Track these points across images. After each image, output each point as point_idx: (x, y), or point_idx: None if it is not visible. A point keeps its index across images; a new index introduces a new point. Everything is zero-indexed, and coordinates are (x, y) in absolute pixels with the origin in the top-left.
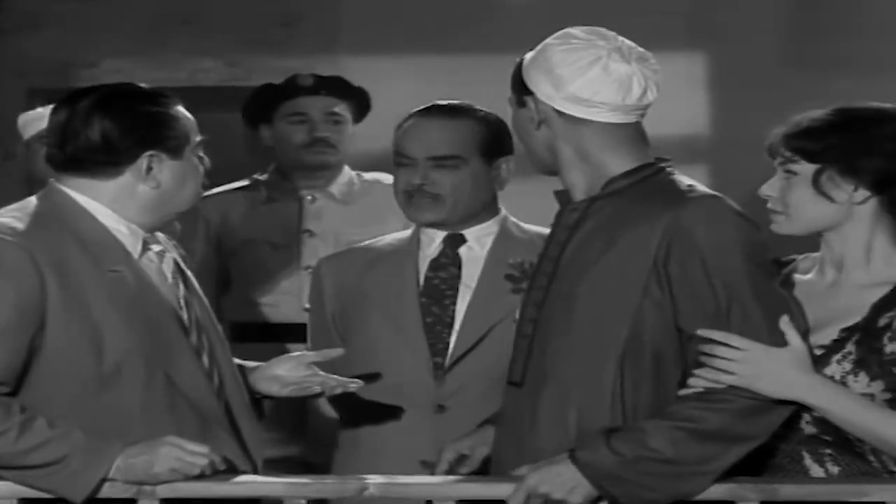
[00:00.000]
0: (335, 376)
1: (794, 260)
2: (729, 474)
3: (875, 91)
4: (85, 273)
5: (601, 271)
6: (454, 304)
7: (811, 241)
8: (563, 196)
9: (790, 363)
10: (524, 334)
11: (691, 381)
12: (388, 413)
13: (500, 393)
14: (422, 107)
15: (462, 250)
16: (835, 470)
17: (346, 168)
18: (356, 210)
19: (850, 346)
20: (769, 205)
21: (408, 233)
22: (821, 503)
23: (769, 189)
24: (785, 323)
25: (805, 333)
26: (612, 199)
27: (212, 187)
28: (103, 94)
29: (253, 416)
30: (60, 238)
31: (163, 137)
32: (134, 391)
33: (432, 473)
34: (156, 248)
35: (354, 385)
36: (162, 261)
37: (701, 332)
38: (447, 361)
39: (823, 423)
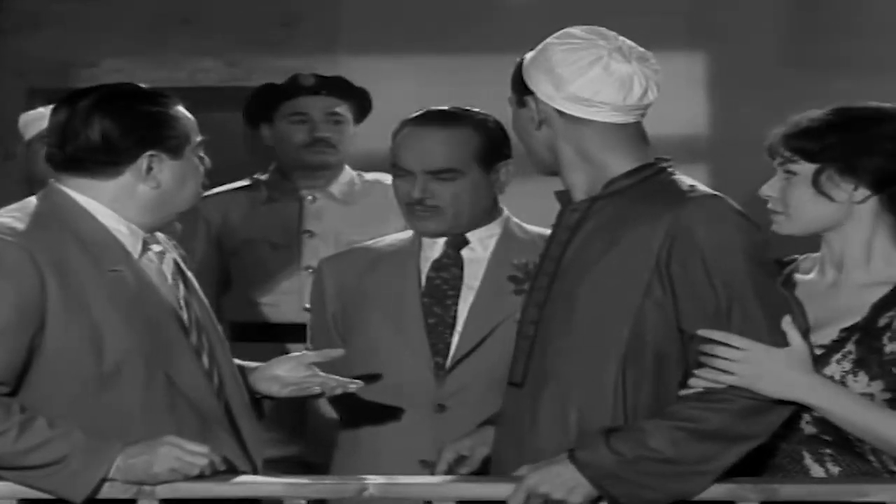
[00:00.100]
0: (335, 377)
1: (794, 260)
2: (729, 474)
3: (875, 91)
4: (85, 273)
5: (602, 271)
6: (456, 304)
7: (812, 242)
8: (563, 196)
9: (790, 363)
10: (525, 335)
11: (692, 381)
12: (389, 413)
13: (501, 393)
14: (416, 114)
15: (464, 251)
16: (835, 470)
17: (347, 168)
18: (357, 210)
19: (849, 346)
20: (769, 205)
21: (409, 233)
22: (821, 503)
23: (769, 189)
24: (787, 323)
25: (805, 333)
26: (613, 199)
27: (212, 187)
28: (103, 94)
29: (253, 417)
30: (60, 238)
31: (163, 137)
32: (134, 391)
33: (432, 474)
34: (156, 248)
35: (354, 385)
36: (162, 261)
37: (701, 332)
38: (448, 362)
39: (823, 423)
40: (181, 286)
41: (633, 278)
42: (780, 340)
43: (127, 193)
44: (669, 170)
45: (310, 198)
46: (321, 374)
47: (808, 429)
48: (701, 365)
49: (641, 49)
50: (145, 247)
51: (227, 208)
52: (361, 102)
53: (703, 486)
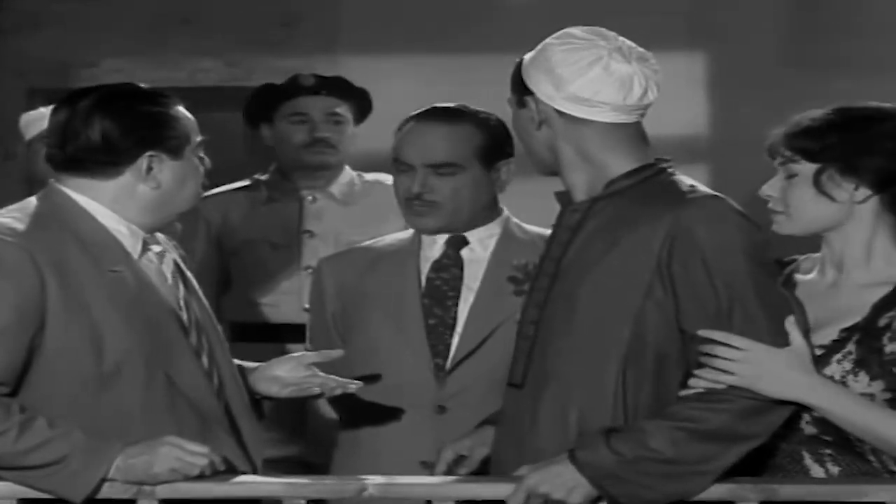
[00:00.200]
0: (335, 377)
1: (795, 260)
2: (729, 474)
3: (875, 91)
4: (85, 273)
5: (603, 272)
6: (456, 305)
7: (812, 242)
8: (563, 197)
9: (790, 363)
10: (526, 335)
11: (692, 381)
12: (389, 414)
13: (501, 395)
14: (420, 110)
15: (464, 252)
16: (835, 470)
17: (347, 168)
18: (357, 210)
19: (850, 346)
20: (770, 205)
21: (409, 233)
22: (820, 503)
23: (770, 189)
24: (790, 323)
25: (806, 334)
26: (613, 200)
27: (212, 187)
28: (104, 95)
29: (253, 417)
30: (60, 238)
31: (163, 137)
32: (134, 391)
33: (431, 474)
34: (156, 248)
35: (354, 386)
36: (162, 261)
37: (702, 333)
38: (449, 363)
39: (824, 423)
40: (181, 286)
41: (634, 279)
42: (781, 341)
43: (127, 194)
44: (670, 170)
45: (310, 198)
46: (321, 374)
47: (809, 429)
48: (701, 365)
49: (641, 49)
50: (145, 247)
51: (227, 208)
52: (361, 103)
53: (704, 486)
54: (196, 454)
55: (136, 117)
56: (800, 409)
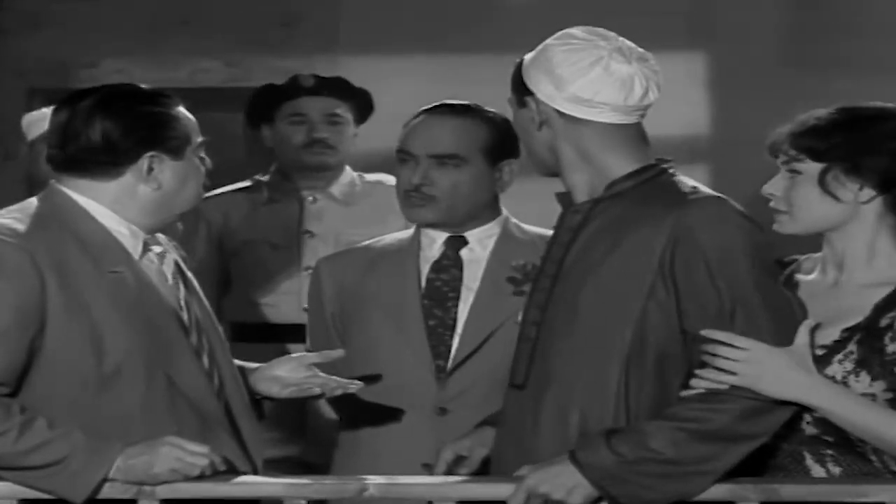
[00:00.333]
0: (335, 378)
1: (796, 260)
2: (729, 474)
3: (875, 91)
4: (85, 274)
5: (605, 273)
6: (456, 306)
7: (813, 241)
8: (564, 198)
9: (791, 363)
10: (527, 337)
11: (693, 381)
12: (389, 415)
13: (502, 395)
14: (431, 105)
15: (463, 252)
16: (836, 470)
17: (348, 169)
18: (357, 211)
19: (851, 346)
20: (772, 204)
21: (408, 233)
22: (821, 503)
23: (772, 188)
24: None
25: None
26: (615, 201)
27: (212, 188)
28: (104, 95)
29: (253, 417)
30: (61, 239)
31: (164, 138)
32: (134, 391)
33: (431, 475)
34: (156, 249)
35: (354, 387)
36: (162, 262)
37: (704, 333)
38: (449, 364)
39: (825, 423)
40: (181, 287)
41: (636, 280)
42: (784, 342)
43: (128, 194)
44: (671, 171)
45: (310, 198)
46: (321, 374)
47: (810, 429)
48: (703, 366)
49: (641, 49)
50: (146, 248)
51: (227, 209)
52: (362, 103)
53: (704, 486)
54: (196, 454)
55: (137, 118)
56: (801, 409)
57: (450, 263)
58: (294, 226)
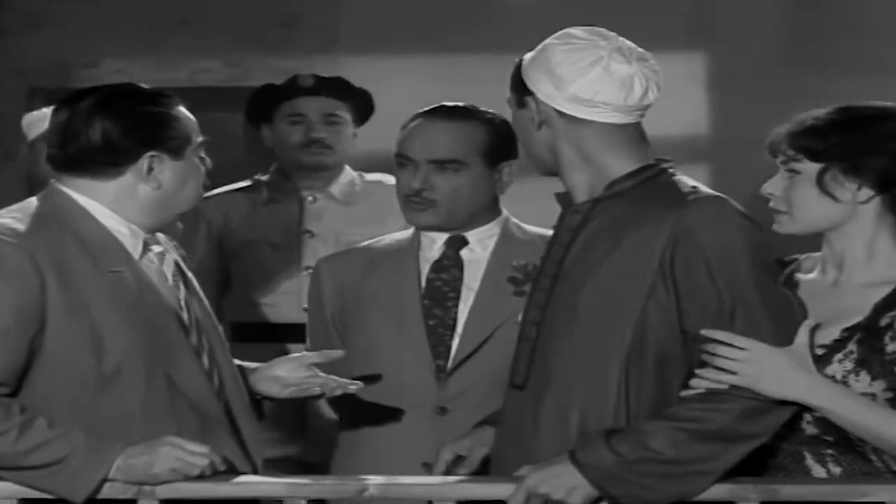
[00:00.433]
0: (335, 377)
1: (796, 259)
2: (730, 474)
3: (875, 91)
4: (85, 274)
5: (605, 273)
6: (456, 306)
7: (813, 240)
8: (564, 198)
9: (791, 363)
10: (527, 336)
11: (693, 381)
12: (389, 415)
13: (502, 395)
14: (428, 107)
15: (464, 252)
16: (837, 470)
17: (348, 169)
18: (357, 211)
19: (851, 346)
20: (771, 204)
21: (408, 233)
22: (821, 503)
23: (771, 187)
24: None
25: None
26: (614, 201)
27: (212, 188)
28: (104, 95)
29: (253, 417)
30: (61, 239)
31: (164, 138)
32: (134, 391)
33: (431, 475)
34: (156, 248)
35: (354, 387)
36: (162, 262)
37: (704, 332)
38: (449, 364)
39: (825, 423)
40: (181, 287)
41: (636, 280)
42: (784, 342)
43: (128, 194)
44: (670, 171)
45: (310, 198)
46: (321, 374)
47: (810, 429)
48: (703, 366)
49: (640, 49)
50: (146, 247)
51: (227, 209)
52: (362, 103)
53: (704, 486)
54: (196, 454)
55: (137, 117)
56: (801, 409)
57: (450, 263)
58: (294, 226)
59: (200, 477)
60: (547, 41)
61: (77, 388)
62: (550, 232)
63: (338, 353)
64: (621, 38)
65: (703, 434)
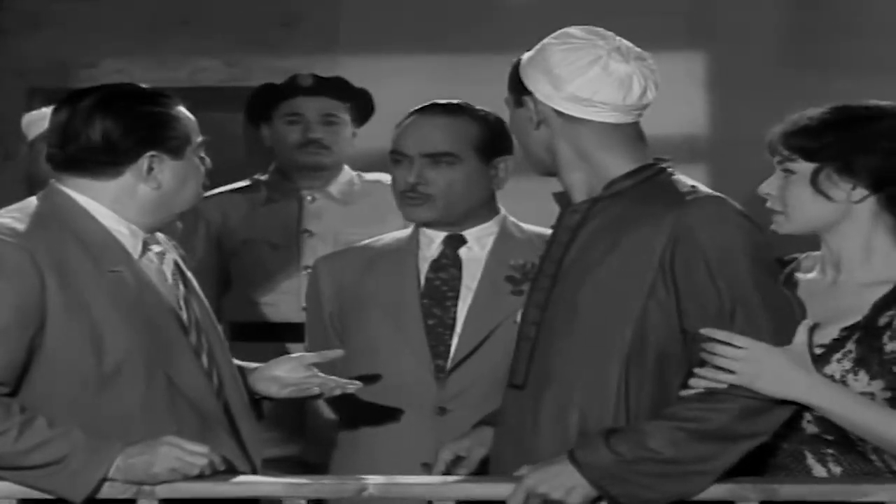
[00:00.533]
0: (334, 378)
1: (796, 259)
2: (730, 474)
3: (875, 91)
4: (85, 273)
5: (604, 272)
6: (455, 306)
7: (813, 240)
8: (562, 198)
9: (790, 362)
10: (527, 336)
11: (692, 381)
12: (388, 415)
13: (502, 395)
14: (420, 106)
15: (462, 251)
16: (837, 470)
17: (347, 168)
18: (356, 210)
19: (850, 345)
20: (768, 203)
21: (406, 232)
22: (820, 503)
23: (768, 187)
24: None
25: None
26: (614, 201)
27: (212, 187)
28: (104, 95)
29: (252, 417)
30: (60, 238)
31: (164, 138)
32: (134, 391)
33: (430, 474)
34: (156, 248)
35: (353, 387)
36: (162, 261)
37: (703, 331)
38: (449, 364)
39: (825, 422)
40: (181, 286)
41: (636, 279)
42: (783, 341)
43: (128, 194)
44: (669, 170)
45: (309, 198)
46: (320, 374)
47: (810, 428)
48: (702, 365)
49: (638, 49)
50: (145, 247)
51: (226, 208)
52: (361, 104)
53: (704, 486)
54: (196, 454)
55: (137, 117)
56: (801, 408)
57: (448, 262)
58: (293, 225)
59: (200, 477)
60: (545, 41)
61: (77, 388)
62: (548, 231)
63: (337, 354)
64: (619, 38)
65: (703, 434)
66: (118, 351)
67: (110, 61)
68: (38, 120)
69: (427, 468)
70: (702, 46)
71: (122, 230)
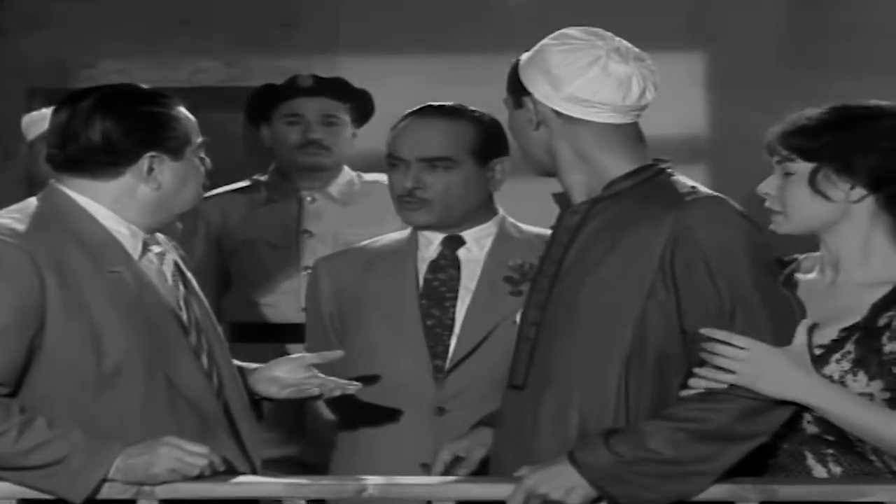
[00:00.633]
0: (334, 378)
1: (795, 259)
2: (730, 474)
3: (875, 91)
4: (85, 274)
5: (604, 273)
6: (454, 306)
7: (813, 240)
8: (562, 199)
9: (790, 363)
10: (526, 336)
11: (692, 381)
12: (387, 415)
13: (501, 395)
14: (415, 108)
15: (461, 252)
16: (837, 470)
17: (346, 168)
18: (355, 211)
19: (849, 346)
20: (767, 203)
21: (405, 233)
22: (820, 503)
23: (767, 187)
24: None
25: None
26: (613, 201)
27: (211, 188)
28: (104, 95)
29: (252, 417)
30: (60, 239)
31: (164, 138)
32: (134, 391)
33: (430, 475)
34: (156, 249)
35: (353, 387)
36: (162, 262)
37: (703, 331)
38: (447, 364)
39: (825, 423)
40: (181, 287)
41: (636, 280)
42: (783, 341)
43: (127, 194)
44: (669, 171)
45: (309, 198)
46: (320, 375)
47: (810, 429)
48: (702, 365)
49: (637, 49)
50: (145, 248)
51: (226, 209)
52: (361, 104)
53: (703, 486)
54: (196, 454)
55: (137, 118)
56: (801, 408)
57: (447, 263)
58: (293, 225)
59: (200, 477)
60: (544, 41)
61: (77, 388)
62: (547, 231)
63: (337, 355)
64: (618, 38)
65: (702, 434)
66: (118, 351)
67: (110, 61)
68: (38, 120)
69: (426, 468)
70: (702, 46)
71: (122, 231)
